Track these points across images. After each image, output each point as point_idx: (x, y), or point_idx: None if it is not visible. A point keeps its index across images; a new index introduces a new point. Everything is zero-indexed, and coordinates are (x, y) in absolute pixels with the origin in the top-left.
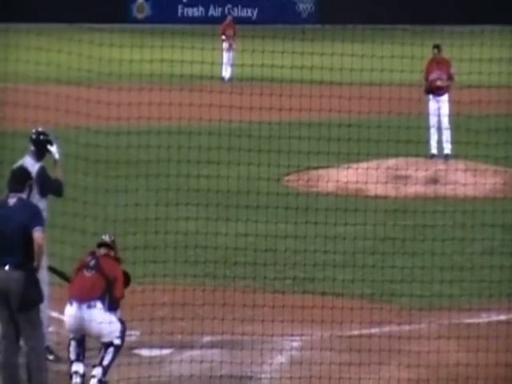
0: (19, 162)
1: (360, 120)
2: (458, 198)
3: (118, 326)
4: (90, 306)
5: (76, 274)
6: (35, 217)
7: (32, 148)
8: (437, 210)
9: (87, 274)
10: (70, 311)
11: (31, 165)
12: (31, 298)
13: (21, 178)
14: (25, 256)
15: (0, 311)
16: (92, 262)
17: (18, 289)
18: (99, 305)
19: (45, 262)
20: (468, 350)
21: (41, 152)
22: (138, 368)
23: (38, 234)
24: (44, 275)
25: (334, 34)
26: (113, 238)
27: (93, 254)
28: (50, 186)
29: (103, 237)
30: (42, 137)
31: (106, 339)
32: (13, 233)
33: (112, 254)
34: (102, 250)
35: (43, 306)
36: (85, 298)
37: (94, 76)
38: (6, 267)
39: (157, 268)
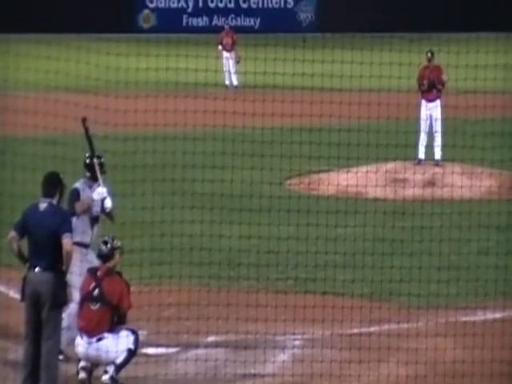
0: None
1: (359, 125)
2: (455, 200)
3: (125, 345)
4: (99, 340)
5: (81, 305)
6: (64, 223)
7: (87, 174)
8: (434, 212)
9: (93, 307)
10: (80, 344)
11: (82, 189)
12: (58, 299)
13: (52, 183)
14: (54, 259)
15: (28, 311)
16: (95, 292)
17: (47, 290)
18: (107, 335)
19: (76, 268)
20: (464, 347)
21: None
22: (145, 366)
23: (66, 241)
24: (74, 280)
25: (334, 42)
26: (112, 242)
27: (94, 275)
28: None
29: (102, 247)
30: (95, 160)
31: (117, 361)
32: (43, 237)
33: (112, 264)
34: (102, 267)
35: (70, 309)
36: (94, 334)
37: (102, 84)
38: (37, 269)
39: (163, 269)
